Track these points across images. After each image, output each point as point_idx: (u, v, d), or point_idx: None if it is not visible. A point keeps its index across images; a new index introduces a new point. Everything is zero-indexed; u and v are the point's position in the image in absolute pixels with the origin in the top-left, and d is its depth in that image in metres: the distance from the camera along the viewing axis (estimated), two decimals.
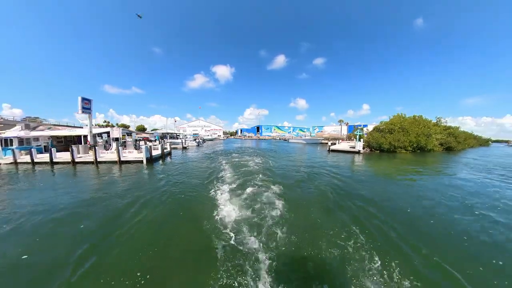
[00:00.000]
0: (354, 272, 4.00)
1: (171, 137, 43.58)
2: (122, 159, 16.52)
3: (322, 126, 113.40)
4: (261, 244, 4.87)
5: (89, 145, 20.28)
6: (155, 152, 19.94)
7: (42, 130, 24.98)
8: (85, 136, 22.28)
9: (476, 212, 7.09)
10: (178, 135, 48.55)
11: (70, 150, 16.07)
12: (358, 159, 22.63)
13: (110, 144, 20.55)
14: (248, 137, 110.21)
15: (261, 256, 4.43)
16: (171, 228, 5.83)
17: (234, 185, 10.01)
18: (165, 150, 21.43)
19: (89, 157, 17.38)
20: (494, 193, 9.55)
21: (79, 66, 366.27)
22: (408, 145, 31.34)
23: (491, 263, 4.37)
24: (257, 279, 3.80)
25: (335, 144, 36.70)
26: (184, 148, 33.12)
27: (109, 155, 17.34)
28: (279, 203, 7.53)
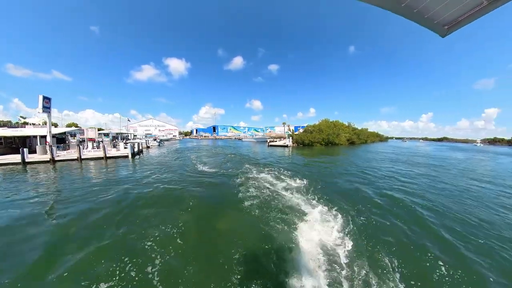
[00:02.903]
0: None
1: (123, 138, 43.03)
2: (108, 155, 21.31)
3: (274, 127, 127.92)
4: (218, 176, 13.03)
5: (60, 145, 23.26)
6: (125, 151, 24.19)
7: None
8: (42, 137, 22.57)
9: (345, 172, 17.34)
10: (127, 135, 46.76)
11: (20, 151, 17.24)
12: (286, 149, 33.60)
13: (86, 143, 24.11)
14: (205, 137, 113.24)
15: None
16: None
17: (206, 162, 17.78)
18: (135, 149, 26.35)
19: (46, 156, 21.14)
20: (358, 163, 20.71)
21: None
22: (321, 141, 45.43)
23: (350, 201, 13.94)
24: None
25: (274, 141, 48.01)
26: (148, 147, 37.18)
27: (93, 153, 21.62)
28: (241, 165, 15.88)
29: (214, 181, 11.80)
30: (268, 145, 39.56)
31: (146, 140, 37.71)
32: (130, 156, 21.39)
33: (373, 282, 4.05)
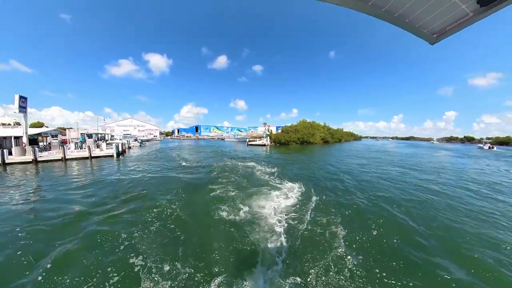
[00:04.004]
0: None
1: (100, 139, 41.65)
2: (93, 154, 22.57)
3: (257, 127, 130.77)
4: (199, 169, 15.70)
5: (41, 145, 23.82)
6: (110, 151, 25.58)
7: None
8: (16, 137, 22.48)
9: (315, 165, 20.69)
10: (104, 136, 45.22)
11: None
12: (263, 148, 36.94)
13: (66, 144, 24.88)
14: (187, 137, 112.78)
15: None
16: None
17: (189, 158, 20.19)
18: (119, 149, 27.61)
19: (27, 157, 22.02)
20: (316, 156, 24.34)
21: None
22: (296, 140, 49.71)
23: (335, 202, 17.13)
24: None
25: (254, 140, 51.33)
26: (129, 147, 37.97)
27: (77, 153, 22.70)
28: (227, 161, 18.55)
29: (198, 170, 14.48)
30: (247, 144, 42.69)
31: (127, 141, 38.41)
32: (115, 155, 22.89)
33: (323, 239, 7.04)
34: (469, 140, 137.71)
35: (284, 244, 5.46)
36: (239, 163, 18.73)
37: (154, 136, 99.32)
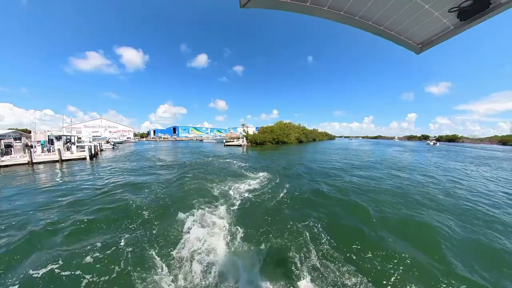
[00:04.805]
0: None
1: (66, 142, 37.93)
2: (63, 157, 22.34)
3: (236, 128, 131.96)
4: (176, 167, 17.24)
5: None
6: (82, 154, 25.45)
7: None
8: None
9: (291, 158, 23.02)
10: (69, 138, 41.01)
11: None
12: (240, 148, 39.07)
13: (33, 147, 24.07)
14: (164, 138, 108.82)
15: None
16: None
17: (167, 158, 21.38)
18: (92, 151, 27.33)
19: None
20: (283, 153, 26.95)
21: None
22: (272, 140, 52.82)
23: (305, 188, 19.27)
24: None
25: (231, 141, 53.24)
26: (101, 150, 36.94)
27: (45, 156, 22.25)
28: (203, 159, 20.07)
29: (173, 167, 15.98)
30: (225, 145, 44.45)
31: (99, 143, 37.34)
32: (88, 158, 22.94)
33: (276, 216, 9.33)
34: (425, 138, 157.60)
35: (241, 209, 7.66)
36: (215, 160, 21.13)
37: (127, 138, 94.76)
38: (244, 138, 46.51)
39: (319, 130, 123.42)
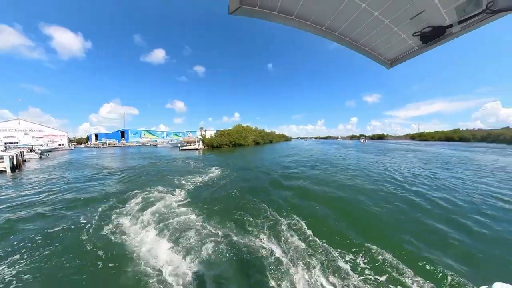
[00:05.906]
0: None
1: None
2: None
3: (195, 131, 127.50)
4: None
5: None
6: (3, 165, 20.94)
7: None
8: None
9: (251, 159, 24.35)
10: None
11: None
12: (196, 152, 39.41)
13: None
14: (109, 144, 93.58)
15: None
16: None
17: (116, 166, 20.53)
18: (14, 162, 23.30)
19: None
20: (237, 155, 28.75)
21: None
22: (229, 143, 54.73)
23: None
24: None
25: (187, 145, 52.45)
26: (24, 161, 30.99)
27: None
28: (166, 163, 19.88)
29: (124, 173, 15.96)
30: (180, 149, 43.79)
31: (20, 152, 31.08)
32: (8, 170, 19.78)
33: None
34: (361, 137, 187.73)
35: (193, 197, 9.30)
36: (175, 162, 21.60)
37: (60, 144, 79.95)
38: (201, 141, 46.79)
39: (277, 132, 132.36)
